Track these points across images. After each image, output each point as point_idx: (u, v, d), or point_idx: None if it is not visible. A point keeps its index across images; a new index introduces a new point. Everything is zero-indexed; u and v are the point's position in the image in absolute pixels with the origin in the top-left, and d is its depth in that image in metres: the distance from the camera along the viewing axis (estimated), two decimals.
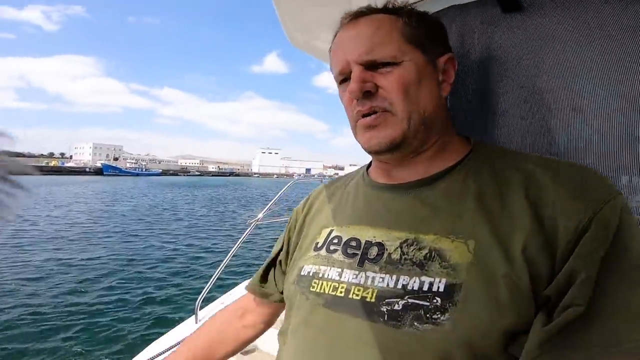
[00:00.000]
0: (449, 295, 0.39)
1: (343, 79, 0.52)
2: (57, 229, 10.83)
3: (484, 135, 0.64)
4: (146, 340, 3.80)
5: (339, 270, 0.48)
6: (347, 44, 0.50)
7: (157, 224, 12.58)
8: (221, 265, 1.71)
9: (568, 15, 0.57)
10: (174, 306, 5.03)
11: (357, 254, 0.48)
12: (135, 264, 7.16)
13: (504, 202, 0.42)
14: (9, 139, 0.25)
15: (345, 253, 0.50)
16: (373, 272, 0.45)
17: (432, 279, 0.41)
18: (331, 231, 0.55)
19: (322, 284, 0.49)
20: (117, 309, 4.86)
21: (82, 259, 7.34)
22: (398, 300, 0.41)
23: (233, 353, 0.68)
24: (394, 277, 0.43)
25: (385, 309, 0.42)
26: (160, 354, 1.17)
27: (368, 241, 0.48)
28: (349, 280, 0.46)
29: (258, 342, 1.10)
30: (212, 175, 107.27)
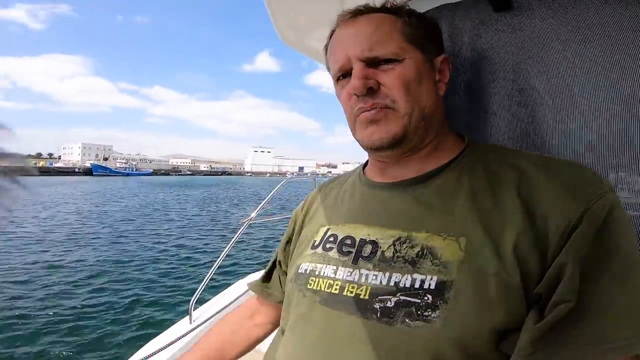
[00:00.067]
0: (440, 293, 0.39)
1: (341, 75, 0.52)
2: (45, 231, 10.63)
3: (475, 134, 0.64)
4: (138, 343, 3.77)
5: (334, 267, 0.49)
6: (347, 41, 0.50)
7: (148, 225, 12.43)
8: (214, 266, 1.69)
9: (557, 16, 0.57)
10: (166, 308, 4.98)
11: (351, 252, 0.49)
12: (126, 265, 7.07)
13: (497, 199, 0.43)
14: (8, 131, 0.24)
15: (340, 251, 0.50)
16: (367, 269, 0.46)
17: (423, 277, 0.41)
18: (328, 230, 0.55)
19: (318, 281, 0.49)
20: (106, 311, 4.79)
21: (71, 261, 7.22)
22: (390, 297, 0.42)
23: (245, 352, 0.69)
24: (387, 274, 0.44)
25: (378, 306, 0.42)
26: (154, 354, 1.16)
27: (362, 239, 0.49)
28: (344, 278, 0.47)
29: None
30: (204, 175, 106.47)
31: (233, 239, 1.84)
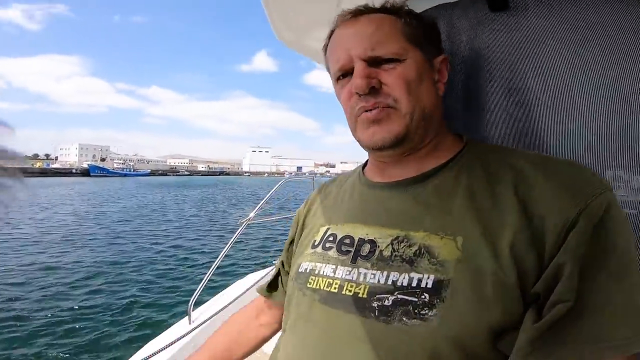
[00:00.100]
0: (437, 292, 0.40)
1: (341, 75, 0.52)
2: (42, 232, 10.58)
3: (472, 133, 0.64)
4: (136, 344, 3.76)
5: (334, 267, 0.49)
6: (349, 40, 0.50)
7: (146, 226, 12.40)
8: (213, 266, 1.69)
9: (553, 15, 0.58)
10: (164, 309, 4.97)
11: (350, 251, 0.49)
12: (124, 266, 7.05)
13: (494, 199, 0.43)
14: (10, 129, 0.24)
15: (339, 250, 0.51)
16: (365, 268, 0.46)
17: (420, 275, 0.41)
18: (328, 229, 0.56)
19: (317, 280, 0.50)
20: (105, 312, 4.78)
21: (68, 262, 7.19)
22: (388, 296, 0.42)
23: (251, 352, 0.70)
24: (385, 273, 0.44)
25: (376, 305, 0.42)
26: (154, 354, 1.16)
27: (361, 238, 0.49)
28: (343, 277, 0.47)
29: None
30: (202, 175, 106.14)
31: (232, 240, 1.84)
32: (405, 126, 0.48)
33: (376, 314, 0.42)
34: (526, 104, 0.60)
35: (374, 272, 0.45)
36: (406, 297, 0.41)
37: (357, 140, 0.53)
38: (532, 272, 0.38)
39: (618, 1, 0.53)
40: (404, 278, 0.42)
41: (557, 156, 0.56)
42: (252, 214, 2.02)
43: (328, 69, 0.58)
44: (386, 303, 0.42)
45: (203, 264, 7.23)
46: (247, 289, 1.82)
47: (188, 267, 7.07)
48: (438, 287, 0.40)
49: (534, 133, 0.59)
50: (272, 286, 0.70)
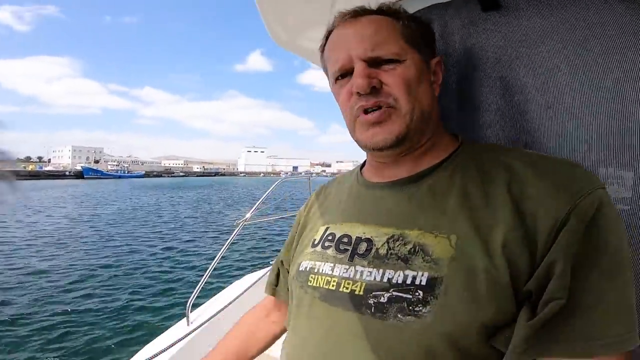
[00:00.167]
0: (431, 289, 0.40)
1: (340, 75, 0.52)
2: (35, 235, 10.46)
3: (467, 133, 0.65)
4: (134, 347, 3.74)
5: (332, 265, 0.50)
6: (348, 40, 0.50)
7: (141, 228, 12.31)
8: (210, 267, 1.68)
9: (544, 15, 0.58)
10: (162, 311, 4.94)
11: (348, 250, 0.50)
12: (119, 268, 6.99)
13: (487, 197, 0.44)
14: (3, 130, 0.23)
15: (337, 249, 0.52)
16: (362, 266, 0.47)
17: (415, 273, 0.42)
18: (327, 229, 0.57)
19: (317, 278, 0.51)
20: (99, 315, 4.73)
21: (63, 266, 7.12)
22: (384, 293, 0.43)
23: (264, 349, 0.71)
24: (381, 271, 0.45)
25: (372, 302, 0.43)
26: (153, 356, 1.16)
27: (358, 237, 0.50)
28: (340, 275, 0.48)
29: None
30: (197, 176, 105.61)
31: (228, 240, 1.83)
32: (406, 126, 0.48)
33: (372, 310, 0.43)
34: (521, 103, 0.60)
35: (370, 269, 0.46)
36: (401, 294, 0.42)
37: (356, 141, 0.54)
38: (525, 270, 0.38)
39: (615, 2, 0.53)
40: (398, 275, 0.43)
41: (552, 155, 0.57)
42: (248, 215, 2.02)
43: (325, 69, 0.58)
44: (382, 300, 0.43)
45: (200, 265, 7.20)
46: (245, 290, 1.82)
47: (185, 269, 7.03)
48: (432, 285, 0.41)
49: (529, 132, 0.59)
50: (275, 285, 0.71)
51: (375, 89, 0.48)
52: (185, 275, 6.59)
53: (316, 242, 0.57)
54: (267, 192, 2.27)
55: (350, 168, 0.72)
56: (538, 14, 0.59)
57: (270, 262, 2.24)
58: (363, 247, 0.49)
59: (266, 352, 0.72)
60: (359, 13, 0.52)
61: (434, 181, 0.49)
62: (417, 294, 0.41)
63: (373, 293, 0.44)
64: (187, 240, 9.98)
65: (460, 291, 0.39)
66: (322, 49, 0.57)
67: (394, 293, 0.42)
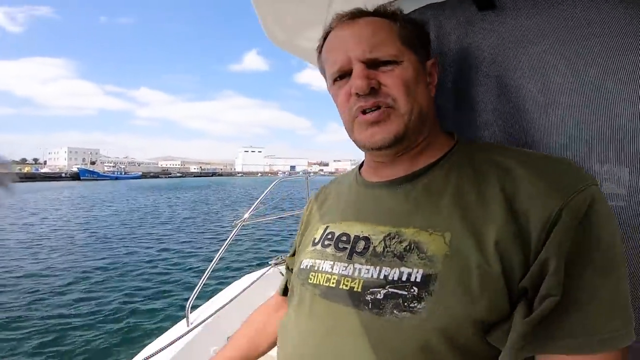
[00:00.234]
0: (425, 285, 0.41)
1: (338, 77, 0.53)
2: (31, 237, 10.40)
3: (463, 131, 0.65)
4: (133, 348, 3.73)
5: (331, 263, 0.52)
6: (346, 42, 0.51)
7: (139, 229, 12.27)
8: (209, 268, 1.68)
9: (540, 14, 0.59)
10: (161, 312, 4.93)
11: (346, 248, 0.51)
12: (117, 270, 6.97)
13: (481, 195, 0.44)
14: None
15: (336, 247, 0.53)
16: (360, 264, 0.48)
17: (410, 270, 0.43)
18: (327, 228, 0.58)
19: (317, 276, 0.52)
20: (98, 317, 4.72)
21: (59, 268, 7.08)
22: (380, 289, 0.44)
23: (274, 344, 0.71)
24: (377, 268, 0.46)
25: (369, 298, 0.45)
26: (152, 355, 1.16)
27: (356, 236, 0.52)
28: (339, 272, 0.50)
29: None
30: (195, 176, 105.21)
31: (227, 241, 1.83)
32: (404, 126, 0.49)
33: (370, 307, 0.44)
34: (515, 101, 0.61)
35: (368, 267, 0.47)
36: (397, 291, 0.43)
37: (355, 141, 0.54)
38: (518, 267, 0.39)
39: (604, 1, 0.54)
40: (394, 272, 0.44)
41: (548, 153, 0.57)
42: (246, 215, 2.02)
43: (322, 71, 0.59)
44: (378, 296, 0.44)
45: (199, 266, 7.19)
46: (244, 290, 1.82)
47: (183, 270, 7.02)
48: (426, 281, 0.42)
49: (526, 131, 0.60)
50: (286, 281, 0.73)
51: (374, 90, 0.49)
52: (184, 276, 6.58)
53: (316, 240, 0.58)
54: (265, 192, 2.27)
55: (348, 167, 0.73)
56: (534, 13, 0.59)
57: (269, 262, 2.24)
58: (361, 245, 0.50)
59: (270, 353, 0.72)
60: (357, 15, 0.52)
61: (430, 180, 0.50)
62: (412, 290, 0.42)
63: (370, 290, 0.45)
64: (186, 242, 9.96)
65: (454, 287, 0.40)
66: (320, 50, 0.57)
67: (390, 290, 0.43)
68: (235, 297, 1.72)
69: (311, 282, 0.53)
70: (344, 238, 0.53)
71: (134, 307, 5.07)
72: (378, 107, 0.49)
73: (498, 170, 0.46)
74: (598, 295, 0.36)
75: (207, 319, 1.51)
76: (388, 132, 0.49)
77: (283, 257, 2.23)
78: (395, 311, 0.42)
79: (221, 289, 2.04)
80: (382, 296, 0.44)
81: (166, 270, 6.96)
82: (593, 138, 0.55)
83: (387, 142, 0.50)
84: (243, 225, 2.00)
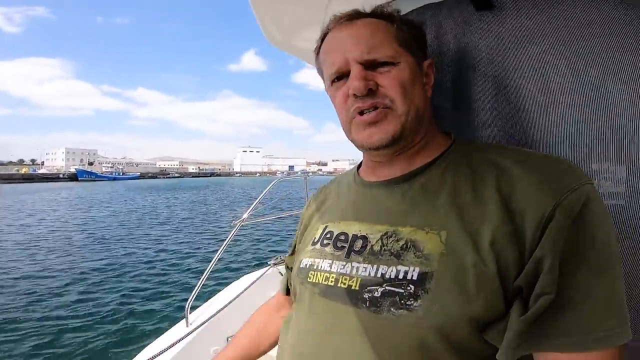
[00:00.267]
0: (422, 283, 0.42)
1: (336, 78, 0.53)
2: (29, 239, 10.37)
3: (462, 131, 0.66)
4: (132, 349, 3.72)
5: (330, 262, 0.52)
6: (344, 43, 0.51)
7: (137, 230, 12.24)
8: (208, 268, 1.68)
9: (542, 14, 0.59)
10: (160, 313, 4.92)
11: (345, 247, 0.52)
12: (115, 271, 6.95)
13: (477, 195, 0.45)
14: None
15: (335, 246, 0.54)
16: (357, 262, 0.49)
17: (407, 268, 0.44)
18: (326, 227, 0.59)
19: (316, 274, 0.53)
20: (95, 319, 4.70)
21: (58, 269, 7.06)
22: (377, 287, 0.45)
23: (275, 344, 0.72)
24: (375, 266, 0.47)
25: (367, 296, 0.45)
26: (153, 357, 1.16)
27: (354, 235, 0.52)
28: (338, 271, 0.50)
29: None
30: (193, 177, 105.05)
31: (226, 241, 1.83)
32: (401, 126, 0.50)
33: (367, 305, 0.45)
34: (513, 100, 0.61)
35: (365, 265, 0.48)
36: (393, 289, 0.43)
37: (352, 141, 0.55)
38: (514, 266, 0.39)
39: (604, 2, 0.54)
40: (391, 271, 0.45)
41: (549, 153, 0.58)
42: (245, 215, 2.02)
43: (320, 72, 0.59)
44: (376, 294, 0.44)
45: (198, 266, 7.18)
46: (243, 290, 1.82)
47: (182, 271, 7.01)
48: (422, 279, 0.42)
49: (525, 131, 0.60)
50: (287, 281, 0.74)
51: (371, 91, 0.49)
52: (183, 277, 6.57)
53: (316, 240, 0.59)
54: (264, 192, 2.27)
55: (347, 166, 0.73)
56: (534, 13, 0.59)
57: (268, 263, 2.24)
58: (359, 244, 0.51)
59: (270, 353, 0.73)
60: (354, 16, 0.53)
61: (427, 179, 0.51)
62: (408, 288, 0.42)
63: (368, 288, 0.46)
64: (184, 242, 9.94)
65: (449, 285, 0.40)
66: (317, 51, 0.57)
67: (387, 287, 0.44)
68: (235, 297, 1.72)
69: (310, 280, 0.53)
70: (342, 237, 0.54)
71: (132, 308, 5.06)
72: (375, 108, 0.49)
73: (493, 169, 0.46)
74: (593, 294, 0.37)
75: (207, 319, 1.51)
76: (385, 133, 0.50)
77: (282, 257, 2.23)
78: (392, 309, 0.42)
79: (220, 290, 2.04)
80: (379, 294, 0.44)
81: (165, 271, 6.95)
82: (593, 138, 0.55)
83: (384, 143, 0.50)
84: (242, 226, 2.00)
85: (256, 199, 2.17)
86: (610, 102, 0.54)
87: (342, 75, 0.52)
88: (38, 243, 9.82)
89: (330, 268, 0.51)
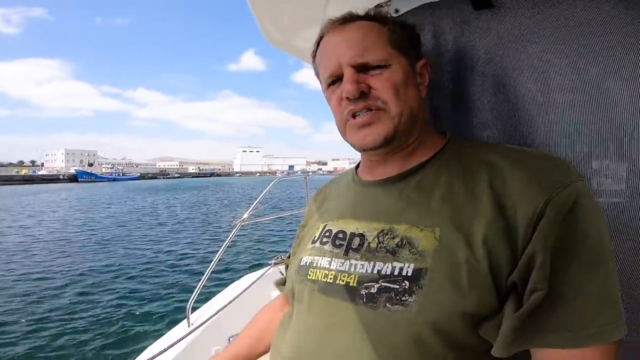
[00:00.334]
0: (416, 279, 0.43)
1: (332, 82, 0.54)
2: (30, 240, 10.37)
3: (461, 131, 0.66)
4: (132, 350, 3.72)
5: (329, 259, 0.54)
6: (337, 47, 0.52)
7: (137, 230, 12.25)
8: (209, 268, 1.68)
9: (542, 13, 0.59)
10: (161, 313, 4.92)
11: (343, 245, 0.53)
12: (116, 272, 6.96)
13: (470, 192, 0.46)
14: None
15: (334, 244, 0.55)
16: (355, 259, 0.50)
17: (402, 264, 0.45)
18: (325, 226, 0.60)
19: (316, 272, 0.54)
20: (95, 320, 4.70)
21: (58, 270, 7.06)
22: (374, 284, 0.46)
23: None
24: (371, 263, 0.48)
25: (364, 292, 0.46)
26: (155, 357, 1.16)
27: (352, 232, 0.53)
28: (336, 268, 0.51)
29: None
30: (193, 177, 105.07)
31: (227, 241, 1.83)
32: (394, 127, 0.51)
33: (364, 300, 0.46)
34: (512, 100, 0.61)
35: (363, 262, 0.49)
36: (389, 285, 0.44)
37: (348, 142, 0.56)
38: (506, 262, 0.40)
39: (604, 1, 0.54)
40: (387, 267, 0.46)
41: (548, 151, 0.58)
42: (246, 215, 2.02)
43: (317, 75, 0.60)
44: (372, 290, 0.45)
45: (198, 267, 7.18)
46: (244, 290, 1.82)
47: (183, 271, 7.01)
48: (417, 275, 0.43)
49: (525, 130, 0.60)
50: (285, 282, 0.74)
51: (364, 94, 0.50)
52: (183, 277, 6.57)
53: (315, 238, 0.60)
54: (264, 192, 2.27)
55: (346, 166, 0.74)
56: (534, 12, 0.59)
57: (269, 262, 2.24)
58: (356, 241, 0.52)
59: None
60: (347, 19, 0.54)
61: (422, 178, 0.52)
62: (403, 284, 0.43)
63: (365, 284, 0.47)
64: (185, 243, 9.95)
65: (443, 281, 0.41)
66: (314, 55, 0.59)
67: (383, 284, 0.45)
68: (236, 297, 1.72)
69: (310, 278, 0.54)
70: (341, 235, 0.55)
71: (132, 309, 5.07)
72: (369, 110, 0.50)
73: (487, 167, 0.47)
74: (584, 290, 0.37)
75: (208, 319, 1.51)
76: (378, 134, 0.51)
77: (283, 257, 2.23)
78: (388, 304, 0.43)
79: (221, 290, 2.04)
80: (375, 290, 0.45)
81: (165, 272, 6.95)
82: (593, 136, 0.55)
83: (377, 143, 0.51)
84: (242, 226, 2.00)
85: (256, 198, 2.16)
86: (611, 100, 0.54)
87: (336, 79, 0.53)
88: (38, 244, 9.82)
89: (330, 265, 0.52)
